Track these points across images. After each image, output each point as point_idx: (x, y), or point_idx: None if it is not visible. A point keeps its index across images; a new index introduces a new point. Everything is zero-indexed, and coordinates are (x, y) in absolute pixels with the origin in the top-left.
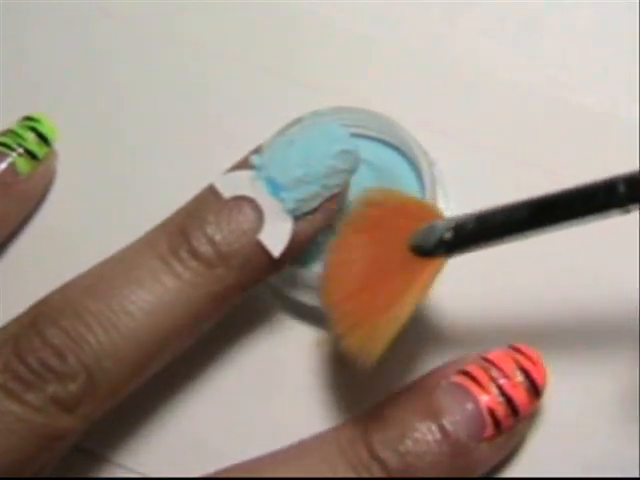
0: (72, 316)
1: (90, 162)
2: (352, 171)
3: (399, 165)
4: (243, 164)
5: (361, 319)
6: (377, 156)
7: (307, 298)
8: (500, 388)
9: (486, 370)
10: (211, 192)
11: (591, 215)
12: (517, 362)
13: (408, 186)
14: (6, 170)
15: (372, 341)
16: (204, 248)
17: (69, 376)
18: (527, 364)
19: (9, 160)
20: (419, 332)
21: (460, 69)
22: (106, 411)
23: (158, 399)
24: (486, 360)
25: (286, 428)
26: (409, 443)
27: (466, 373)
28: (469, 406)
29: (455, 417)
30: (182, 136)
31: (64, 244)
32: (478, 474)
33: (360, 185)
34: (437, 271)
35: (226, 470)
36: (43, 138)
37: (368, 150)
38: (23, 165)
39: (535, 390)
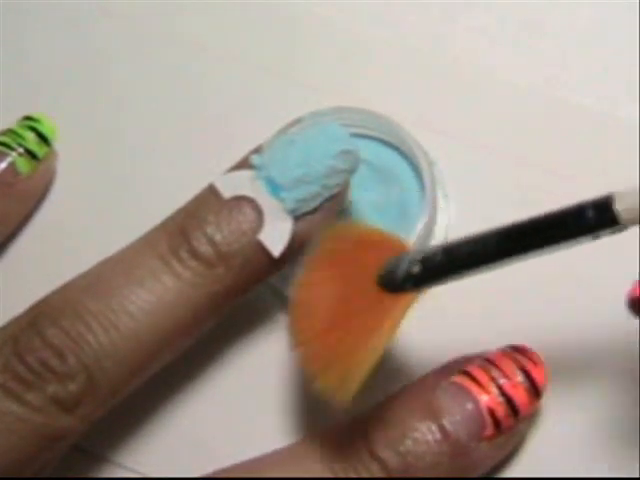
0: (72, 316)
1: (90, 162)
2: (352, 171)
3: (399, 165)
4: (243, 164)
5: (332, 360)
6: (377, 156)
7: None
8: (500, 388)
9: (486, 370)
10: (211, 192)
11: (560, 243)
12: (517, 362)
13: (408, 186)
14: (6, 170)
15: (345, 382)
16: (204, 248)
17: (69, 376)
18: (527, 364)
19: (9, 160)
20: (419, 332)
21: (460, 69)
22: (106, 411)
23: (158, 399)
24: (486, 360)
25: (286, 428)
26: (409, 443)
27: (466, 373)
28: (469, 406)
29: (455, 417)
30: (182, 136)
31: (64, 244)
32: (478, 474)
33: (360, 185)
34: (407, 306)
35: (226, 470)
36: (43, 138)
37: (368, 150)
38: (23, 165)
39: (535, 390)
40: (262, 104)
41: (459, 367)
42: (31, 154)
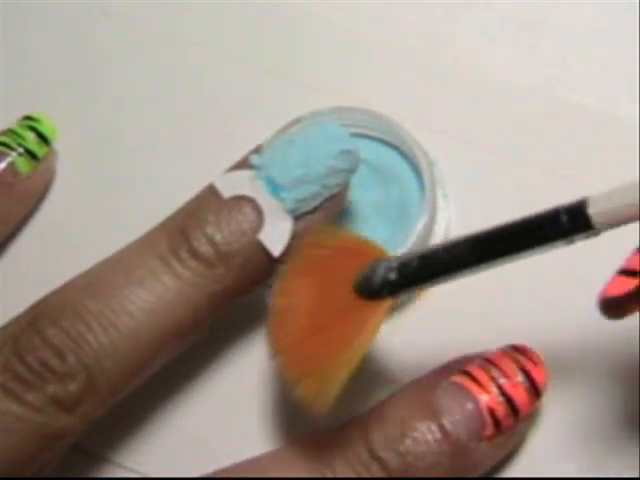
0: (72, 316)
1: (90, 162)
2: (352, 171)
3: (399, 165)
4: (243, 164)
5: (311, 367)
6: (377, 156)
7: None
8: (500, 388)
9: (486, 370)
10: (211, 192)
11: (535, 248)
12: (517, 362)
13: (408, 186)
14: (6, 170)
15: (324, 389)
16: (204, 248)
17: (69, 376)
18: (527, 364)
19: (9, 160)
20: (419, 332)
21: (460, 69)
22: (106, 411)
23: (158, 399)
24: (486, 360)
25: (285, 428)
26: (409, 443)
27: (466, 373)
28: (469, 406)
29: (455, 417)
30: (182, 136)
31: (64, 244)
32: (478, 474)
33: (360, 185)
34: (384, 312)
35: (225, 470)
36: (43, 138)
37: (368, 150)
38: (23, 165)
39: (535, 390)
40: (262, 104)
41: (459, 367)
42: (31, 154)
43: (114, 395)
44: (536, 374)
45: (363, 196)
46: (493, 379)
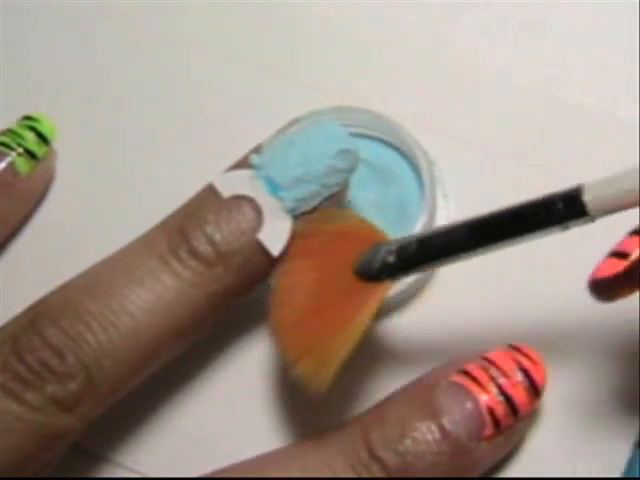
0: (71, 316)
1: (90, 162)
2: (351, 170)
3: (399, 165)
4: (242, 163)
5: (309, 347)
6: (377, 156)
7: None
8: (500, 387)
9: (486, 369)
10: (210, 191)
11: (531, 233)
12: (517, 361)
13: (408, 186)
14: (6, 170)
15: (322, 369)
16: (203, 247)
17: (68, 375)
18: (527, 363)
19: (9, 160)
20: (419, 332)
21: (460, 69)
22: (105, 410)
23: (158, 399)
24: (486, 359)
25: (285, 428)
26: (409, 443)
27: (466, 372)
28: (469, 405)
29: (455, 416)
30: (182, 136)
31: (64, 244)
32: (477, 473)
33: (360, 184)
34: (383, 294)
35: (225, 470)
36: (42, 138)
37: (368, 150)
38: (23, 165)
39: (535, 390)
40: (262, 104)
41: (458, 366)
42: (31, 154)
43: (113, 395)
44: (535, 373)
45: (362, 196)
46: (492, 379)
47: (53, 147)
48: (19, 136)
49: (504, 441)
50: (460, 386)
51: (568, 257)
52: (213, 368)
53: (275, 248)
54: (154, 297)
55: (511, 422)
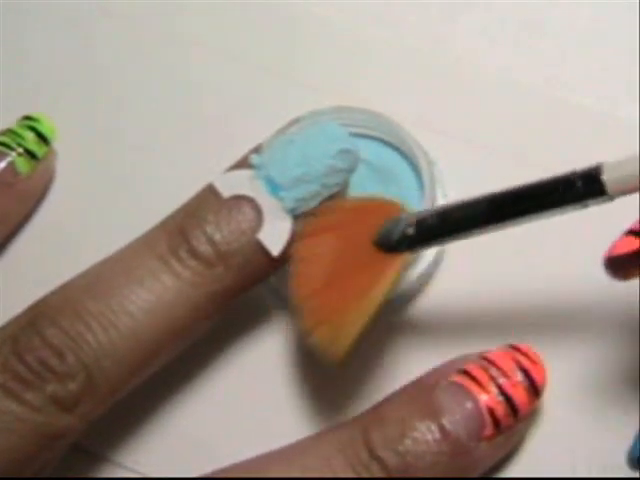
0: (71, 316)
1: (90, 162)
2: (351, 170)
3: (399, 165)
4: (242, 163)
5: (327, 315)
6: (377, 156)
7: None
8: (500, 387)
9: (486, 369)
10: (210, 191)
11: (550, 210)
12: (517, 361)
13: (408, 186)
14: (6, 170)
15: (338, 337)
16: (203, 247)
17: (68, 375)
18: (527, 363)
19: (9, 160)
20: (419, 331)
21: (460, 69)
22: (105, 410)
23: (158, 399)
24: (486, 359)
25: (285, 428)
26: (409, 443)
27: (466, 372)
28: (469, 405)
29: (455, 416)
30: (182, 136)
31: (64, 244)
32: (477, 473)
33: (360, 185)
34: (402, 266)
35: (224, 470)
36: (42, 138)
37: (368, 150)
38: (23, 165)
39: (534, 389)
40: (262, 104)
41: (459, 366)
42: (30, 154)
43: (113, 394)
44: (535, 373)
45: None
46: (492, 379)
47: (53, 147)
48: (19, 136)
49: (504, 441)
50: (460, 386)
51: (571, 257)
52: (213, 368)
53: (275, 248)
54: (154, 297)
55: (511, 422)
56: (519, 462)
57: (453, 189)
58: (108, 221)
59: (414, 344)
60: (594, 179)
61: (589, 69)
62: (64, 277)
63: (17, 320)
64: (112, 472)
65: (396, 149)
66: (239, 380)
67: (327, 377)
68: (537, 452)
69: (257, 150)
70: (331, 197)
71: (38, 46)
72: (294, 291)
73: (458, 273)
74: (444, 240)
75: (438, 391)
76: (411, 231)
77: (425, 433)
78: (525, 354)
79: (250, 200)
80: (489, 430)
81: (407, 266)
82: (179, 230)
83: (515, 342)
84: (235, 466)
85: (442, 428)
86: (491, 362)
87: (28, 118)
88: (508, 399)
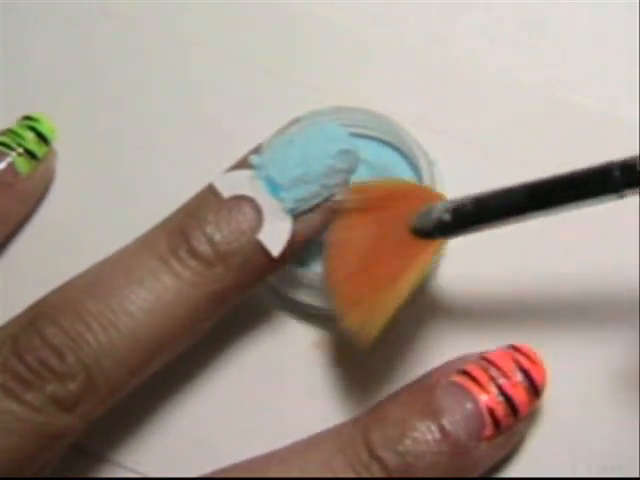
0: (71, 315)
1: (90, 162)
2: (351, 171)
3: (399, 165)
4: (242, 163)
5: (360, 298)
6: (377, 156)
7: (307, 298)
8: (500, 388)
9: (486, 370)
10: (210, 191)
11: (587, 200)
12: (517, 362)
13: None
14: (6, 170)
15: (370, 320)
16: (203, 248)
17: (68, 375)
18: (527, 364)
19: (9, 160)
20: (419, 331)
21: (460, 69)
22: (105, 410)
23: (158, 399)
24: (486, 360)
25: (286, 428)
26: (409, 443)
27: (466, 373)
28: (469, 406)
29: (455, 417)
30: (182, 136)
31: (64, 244)
32: (477, 474)
33: None
34: (435, 252)
35: (224, 470)
36: (42, 138)
37: (368, 150)
38: (23, 165)
39: (534, 390)
40: (262, 104)
41: (459, 367)
42: (31, 154)
43: (113, 395)
44: (535, 373)
45: None
46: (492, 379)
47: (53, 147)
48: (19, 136)
49: (504, 441)
50: (460, 386)
51: (573, 257)
52: (213, 368)
53: (275, 248)
54: (154, 297)
55: (511, 422)
56: (519, 462)
57: (453, 189)
58: (108, 221)
59: (414, 343)
60: (632, 169)
61: (589, 69)
62: (64, 277)
63: (17, 320)
64: (112, 472)
65: (396, 149)
66: (239, 380)
67: (327, 377)
68: (537, 452)
69: (257, 150)
70: (330, 197)
71: (38, 46)
72: (327, 274)
73: (458, 273)
74: (480, 227)
75: (438, 391)
76: (447, 217)
77: (425, 433)
78: (525, 354)
79: (250, 200)
80: (489, 430)
81: (440, 252)
82: (179, 230)
83: (515, 342)
84: (235, 466)
85: (442, 428)
86: (491, 362)
87: (28, 118)
88: (508, 399)
